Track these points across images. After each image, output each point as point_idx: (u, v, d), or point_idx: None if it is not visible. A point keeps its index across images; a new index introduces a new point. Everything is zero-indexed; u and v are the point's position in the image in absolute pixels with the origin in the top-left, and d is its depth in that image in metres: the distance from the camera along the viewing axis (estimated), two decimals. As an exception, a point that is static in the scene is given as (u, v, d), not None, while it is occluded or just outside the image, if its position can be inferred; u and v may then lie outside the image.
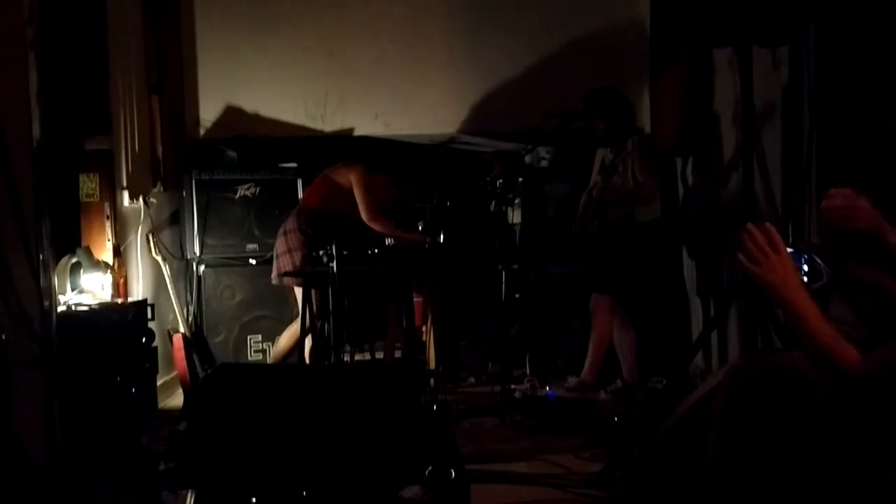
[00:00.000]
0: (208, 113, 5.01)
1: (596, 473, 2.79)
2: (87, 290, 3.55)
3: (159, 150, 4.66)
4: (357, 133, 5.06)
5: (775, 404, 1.68)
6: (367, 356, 4.67)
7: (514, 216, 4.70)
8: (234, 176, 4.78)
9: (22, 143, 2.65)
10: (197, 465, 2.56)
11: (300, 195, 4.71)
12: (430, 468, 2.64)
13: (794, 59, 3.36)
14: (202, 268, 4.69)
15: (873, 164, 2.85)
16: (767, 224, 1.66)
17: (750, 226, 1.66)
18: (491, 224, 4.57)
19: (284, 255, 4.16)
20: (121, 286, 3.83)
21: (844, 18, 3.02)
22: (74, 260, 3.49)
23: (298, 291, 4.12)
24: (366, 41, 5.01)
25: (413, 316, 4.37)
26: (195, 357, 4.40)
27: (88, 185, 3.90)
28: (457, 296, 4.89)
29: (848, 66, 3.02)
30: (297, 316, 4.17)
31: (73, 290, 3.48)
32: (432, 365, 4.54)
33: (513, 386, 4.03)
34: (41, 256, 2.67)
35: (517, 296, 4.70)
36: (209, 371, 4.16)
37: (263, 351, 4.70)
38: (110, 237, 3.93)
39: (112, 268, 3.77)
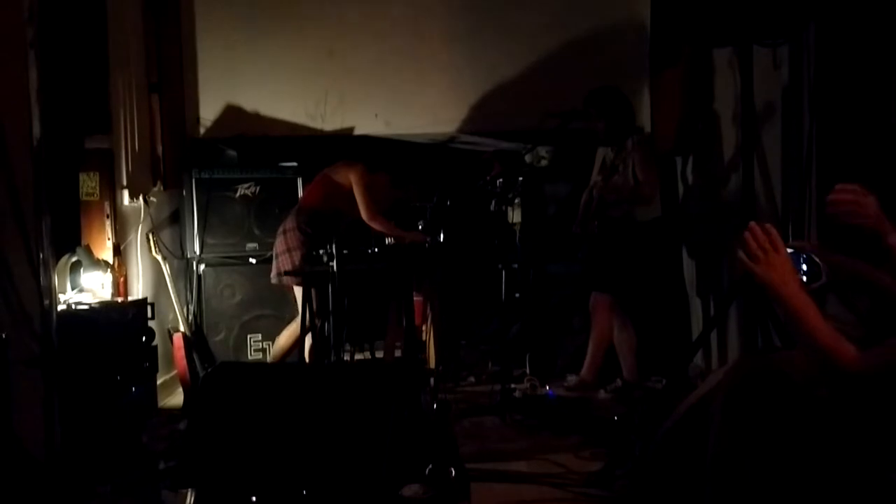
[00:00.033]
0: (208, 112, 5.01)
1: (596, 472, 2.79)
2: (88, 288, 3.55)
3: (159, 148, 4.66)
4: (357, 132, 5.06)
5: (775, 404, 1.68)
6: (367, 355, 4.67)
7: (514, 215, 4.70)
8: (235, 175, 4.78)
9: (22, 142, 2.65)
10: (197, 463, 2.56)
11: (300, 194, 4.71)
12: (431, 467, 2.64)
13: (794, 58, 3.36)
14: (202, 267, 4.69)
15: (874, 163, 2.85)
16: (768, 225, 1.67)
17: (752, 224, 1.66)
18: (491, 223, 4.57)
19: (284, 255, 4.16)
20: (121, 285, 3.83)
21: (844, 18, 3.02)
22: (74, 259, 3.49)
23: (298, 290, 4.12)
24: (366, 41, 5.01)
25: (413, 315, 4.37)
26: (195, 356, 4.40)
27: (88, 184, 3.89)
28: (457, 295, 4.89)
29: (848, 65, 3.02)
30: (296, 315, 4.18)
31: (73, 288, 3.48)
32: (432, 364, 4.54)
33: (513, 385, 4.03)
34: (41, 255, 2.67)
35: (517, 295, 4.70)
36: (209, 370, 4.16)
37: (263, 350, 4.70)
38: (110, 236, 3.94)
39: (112, 267, 3.77)
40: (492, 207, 4.47)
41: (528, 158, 4.74)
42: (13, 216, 2.62)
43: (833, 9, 3.05)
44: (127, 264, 4.07)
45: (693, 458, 1.86)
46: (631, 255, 4.08)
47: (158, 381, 4.06)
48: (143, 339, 3.74)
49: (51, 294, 2.72)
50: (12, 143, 2.62)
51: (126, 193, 4.17)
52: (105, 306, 3.51)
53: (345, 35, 5.01)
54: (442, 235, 4.19)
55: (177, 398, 4.39)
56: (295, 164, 4.90)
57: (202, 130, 5.01)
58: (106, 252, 3.87)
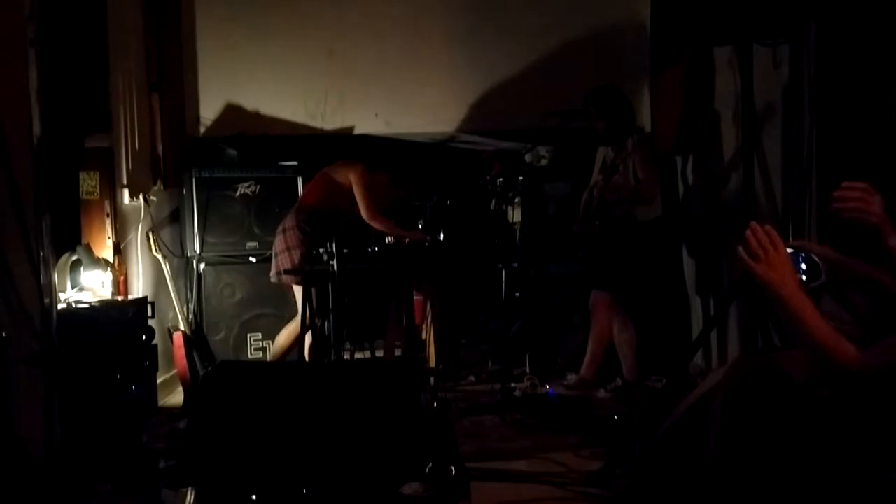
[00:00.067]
0: (208, 111, 5.01)
1: (596, 472, 2.79)
2: (88, 287, 3.55)
3: (159, 147, 4.66)
4: (357, 131, 5.06)
5: (775, 403, 1.68)
6: (368, 354, 4.67)
7: (515, 215, 4.70)
8: (235, 174, 4.78)
9: (22, 141, 2.65)
10: (197, 462, 2.56)
11: (300, 193, 4.71)
12: (431, 465, 2.64)
13: (794, 57, 3.36)
14: (202, 266, 4.69)
15: (874, 163, 2.85)
16: (768, 226, 1.68)
17: (753, 223, 1.67)
18: (491, 222, 4.57)
19: (283, 254, 4.16)
20: (121, 284, 3.83)
21: (845, 17, 3.02)
22: (75, 257, 3.49)
23: (297, 289, 4.12)
24: (366, 41, 5.01)
25: (413, 314, 4.37)
26: (195, 355, 4.40)
27: (89, 183, 3.89)
28: (457, 294, 4.89)
29: (848, 65, 3.02)
30: (295, 314, 4.18)
31: (73, 287, 3.48)
32: (432, 363, 4.54)
33: (513, 384, 4.03)
34: (41, 254, 2.67)
35: (517, 294, 4.70)
36: (209, 369, 4.16)
37: (263, 349, 4.70)
38: (110, 235, 3.94)
39: (112, 265, 3.77)
40: (492, 207, 4.47)
41: (528, 158, 4.74)
42: (13, 215, 2.62)
43: (833, 8, 3.05)
44: (127, 263, 4.07)
45: (693, 457, 1.86)
46: (631, 255, 4.08)
47: (158, 380, 4.06)
48: (143, 337, 3.74)
49: (51, 293, 2.72)
50: (12, 141, 2.62)
51: (126, 192, 4.17)
52: (105, 305, 3.51)
53: (345, 35, 5.01)
54: (442, 234, 4.19)
55: (177, 397, 4.39)
56: (295, 163, 4.90)
57: (202, 129, 5.01)
58: (106, 251, 3.87)
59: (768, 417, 1.68)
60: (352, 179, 4.23)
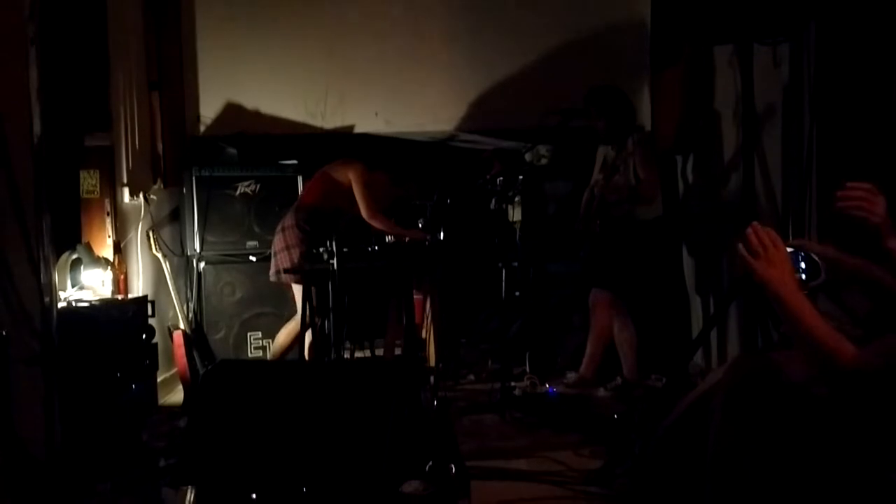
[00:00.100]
0: (208, 110, 5.01)
1: (595, 470, 2.79)
2: (88, 286, 3.55)
3: (160, 146, 4.66)
4: (357, 130, 5.06)
5: (775, 402, 1.68)
6: (368, 353, 4.68)
7: (515, 214, 4.70)
8: (235, 173, 4.79)
9: (22, 140, 2.64)
10: (197, 461, 2.56)
11: (300, 192, 4.71)
12: (431, 464, 2.64)
13: (794, 57, 3.36)
14: (202, 264, 4.69)
15: (874, 163, 2.85)
16: (768, 227, 1.68)
17: (755, 223, 1.68)
18: (491, 222, 4.57)
19: (282, 252, 4.16)
20: (121, 282, 3.83)
21: (844, 17, 3.02)
22: (75, 256, 3.49)
23: (296, 288, 4.13)
24: (366, 41, 5.01)
25: (413, 313, 4.37)
26: (195, 354, 4.40)
27: (89, 182, 3.90)
28: (457, 293, 4.89)
29: (848, 64, 3.02)
30: (295, 313, 4.18)
31: (73, 286, 3.48)
32: (432, 362, 4.54)
33: (513, 383, 4.03)
34: (41, 253, 2.67)
35: (517, 293, 4.70)
36: (209, 367, 4.17)
37: (263, 348, 4.71)
38: (110, 233, 3.94)
39: (112, 264, 3.77)
40: (492, 206, 4.47)
41: (528, 157, 4.74)
42: (13, 213, 2.62)
43: (833, 7, 3.05)
44: (127, 262, 4.07)
45: (693, 456, 1.86)
46: (632, 254, 4.08)
47: (158, 379, 4.06)
48: (144, 336, 3.74)
49: (51, 291, 2.72)
50: (13, 140, 2.61)
51: (126, 191, 4.17)
52: (105, 304, 3.51)
53: (345, 35, 5.01)
54: (442, 233, 4.19)
55: (177, 396, 4.39)
56: (295, 161, 4.91)
57: (202, 128, 5.01)
58: (106, 249, 3.87)
59: (768, 416, 1.68)
60: (351, 178, 4.23)
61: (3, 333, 2.51)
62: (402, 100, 5.04)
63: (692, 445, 1.88)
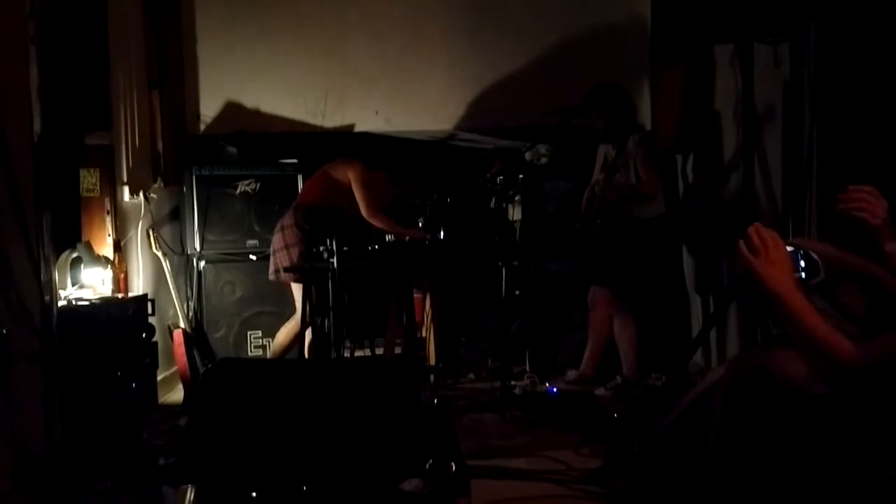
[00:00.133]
0: (209, 108, 5.01)
1: (596, 469, 2.80)
2: (88, 284, 3.55)
3: (160, 145, 4.66)
4: (357, 129, 5.07)
5: (774, 400, 1.69)
6: (368, 352, 4.68)
7: (515, 213, 4.69)
8: (235, 171, 4.79)
9: (22, 138, 2.64)
10: (197, 460, 2.56)
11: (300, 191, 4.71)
12: (431, 462, 2.64)
13: (795, 56, 3.36)
14: (202, 263, 4.69)
15: (874, 162, 2.85)
16: (769, 229, 1.69)
17: (757, 223, 1.68)
18: (491, 221, 4.57)
19: (281, 251, 4.15)
20: (121, 281, 3.83)
21: (845, 16, 3.02)
22: (75, 255, 3.49)
23: (296, 287, 4.13)
24: (366, 40, 5.02)
25: (413, 312, 4.38)
26: (195, 352, 4.40)
27: (89, 180, 3.90)
28: (457, 292, 4.89)
29: (849, 64, 3.02)
30: (295, 312, 4.18)
31: (73, 284, 3.48)
32: (432, 361, 4.54)
33: (513, 382, 4.04)
34: (41, 251, 2.66)
35: (517, 292, 4.70)
36: (209, 366, 4.16)
37: (264, 347, 4.71)
38: (111, 232, 3.94)
39: (112, 263, 3.77)
40: (492, 205, 4.47)
41: (528, 156, 4.74)
42: (14, 212, 2.62)
43: (833, 7, 3.05)
44: (127, 260, 4.07)
45: (693, 455, 1.86)
46: (632, 253, 4.08)
47: (158, 378, 4.06)
48: (144, 335, 3.74)
49: (51, 290, 2.72)
50: (13, 139, 2.61)
51: (126, 190, 4.17)
52: (105, 302, 3.51)
53: (345, 34, 5.02)
54: (442, 233, 4.19)
55: (177, 394, 4.39)
56: (295, 160, 4.91)
57: (202, 127, 5.01)
58: (106, 248, 3.87)
59: (767, 415, 1.68)
60: (351, 177, 4.23)
61: (4, 331, 2.50)
62: (403, 99, 5.04)
63: (692, 444, 1.88)
